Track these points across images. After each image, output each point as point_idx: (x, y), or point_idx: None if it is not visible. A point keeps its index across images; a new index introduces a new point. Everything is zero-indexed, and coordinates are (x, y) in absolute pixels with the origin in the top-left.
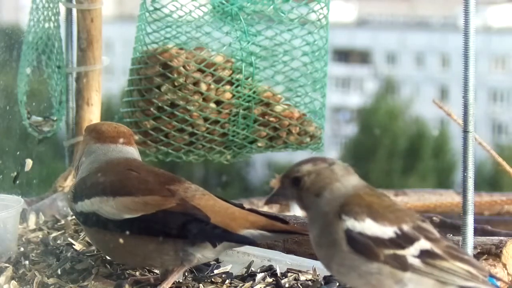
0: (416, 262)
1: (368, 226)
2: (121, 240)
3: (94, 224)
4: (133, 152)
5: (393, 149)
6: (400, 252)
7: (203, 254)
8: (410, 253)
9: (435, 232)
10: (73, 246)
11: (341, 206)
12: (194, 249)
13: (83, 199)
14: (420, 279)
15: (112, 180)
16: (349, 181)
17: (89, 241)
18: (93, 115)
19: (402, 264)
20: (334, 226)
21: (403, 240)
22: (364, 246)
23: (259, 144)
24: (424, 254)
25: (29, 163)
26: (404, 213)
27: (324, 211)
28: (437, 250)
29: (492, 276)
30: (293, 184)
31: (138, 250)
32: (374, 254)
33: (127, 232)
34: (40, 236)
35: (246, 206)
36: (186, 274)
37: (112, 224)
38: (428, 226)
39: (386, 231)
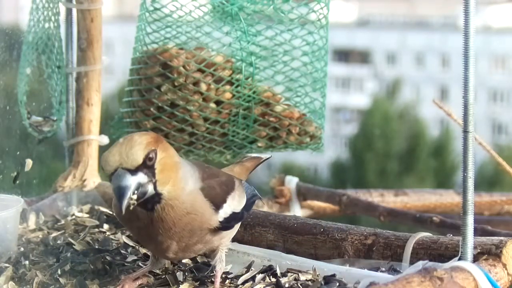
0: None
1: None
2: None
3: (234, 222)
4: None
5: (393, 149)
6: None
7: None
8: None
9: None
10: (73, 246)
11: None
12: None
13: (222, 205)
14: None
15: (223, 179)
16: None
17: (89, 241)
18: (93, 115)
19: None
20: None
21: None
22: None
23: (259, 144)
24: None
25: (29, 163)
26: None
27: None
28: None
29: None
30: None
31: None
32: None
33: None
34: (40, 236)
35: None
36: (186, 274)
37: (239, 217)
38: None
39: None
